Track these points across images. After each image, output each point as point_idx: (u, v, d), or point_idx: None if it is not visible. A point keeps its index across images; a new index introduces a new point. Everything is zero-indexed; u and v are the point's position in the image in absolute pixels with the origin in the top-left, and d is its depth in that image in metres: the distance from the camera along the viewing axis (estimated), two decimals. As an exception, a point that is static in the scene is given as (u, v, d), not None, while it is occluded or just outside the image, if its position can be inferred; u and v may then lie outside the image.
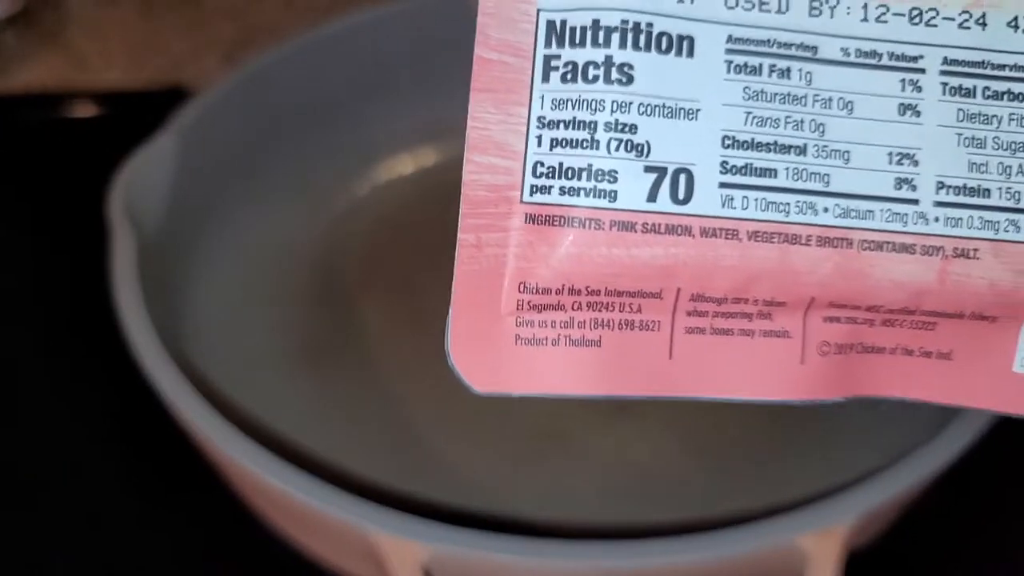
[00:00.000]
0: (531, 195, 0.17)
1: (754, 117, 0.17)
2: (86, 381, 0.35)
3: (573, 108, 0.17)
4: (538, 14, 0.17)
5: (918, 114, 0.17)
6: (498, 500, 0.31)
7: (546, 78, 0.17)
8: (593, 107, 0.17)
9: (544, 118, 0.17)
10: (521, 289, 0.17)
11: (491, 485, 0.32)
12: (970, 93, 0.17)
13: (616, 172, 0.17)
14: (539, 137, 0.17)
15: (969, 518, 0.31)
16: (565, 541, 0.24)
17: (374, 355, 0.36)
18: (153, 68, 0.47)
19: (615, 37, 0.17)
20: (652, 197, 0.17)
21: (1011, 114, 0.17)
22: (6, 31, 0.49)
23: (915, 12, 0.17)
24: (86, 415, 0.34)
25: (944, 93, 0.17)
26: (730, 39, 0.17)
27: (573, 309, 0.18)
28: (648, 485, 0.32)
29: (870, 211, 0.17)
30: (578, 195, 0.17)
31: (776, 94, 0.17)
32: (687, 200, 0.17)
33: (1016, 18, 0.17)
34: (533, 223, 0.17)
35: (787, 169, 0.17)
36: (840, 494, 0.25)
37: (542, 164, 0.17)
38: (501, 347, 0.18)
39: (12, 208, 0.42)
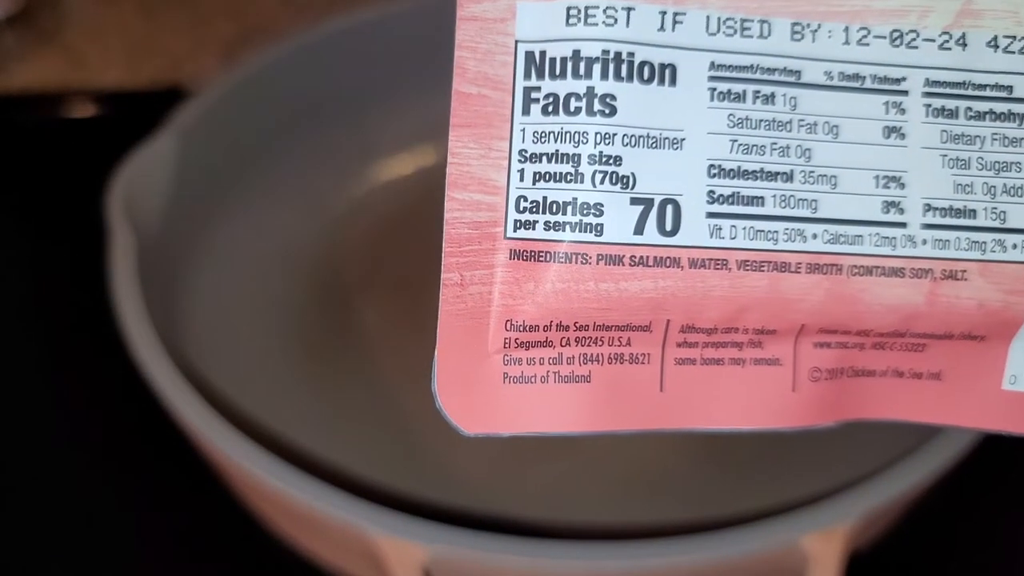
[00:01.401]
0: (515, 231, 0.17)
1: (740, 145, 0.17)
2: (85, 381, 0.35)
3: (556, 141, 0.17)
4: (516, 45, 0.17)
5: (903, 136, 0.17)
6: (498, 500, 0.31)
7: (527, 111, 0.17)
8: (576, 139, 0.17)
9: (526, 151, 0.17)
10: (508, 327, 0.17)
11: (492, 486, 0.32)
12: (953, 114, 0.17)
13: (602, 205, 0.17)
14: (521, 171, 0.17)
15: (970, 519, 0.31)
16: (565, 542, 0.24)
17: (374, 355, 0.36)
18: (152, 68, 0.47)
19: (596, 68, 0.17)
20: (639, 230, 0.17)
21: (993, 134, 0.17)
22: (5, 31, 0.49)
23: (896, 34, 0.17)
24: (85, 415, 0.34)
25: (927, 115, 0.17)
26: (713, 66, 0.17)
27: (561, 345, 0.17)
28: (648, 486, 0.32)
29: (859, 236, 0.17)
30: (563, 229, 0.17)
31: (761, 120, 0.17)
32: (675, 231, 0.17)
33: (995, 37, 0.17)
34: (518, 259, 0.17)
35: (775, 196, 0.17)
36: (842, 494, 0.25)
37: (525, 199, 0.17)
38: (489, 387, 0.17)
39: (11, 208, 0.42)
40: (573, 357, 0.17)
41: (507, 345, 0.17)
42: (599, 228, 0.17)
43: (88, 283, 0.33)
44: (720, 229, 0.17)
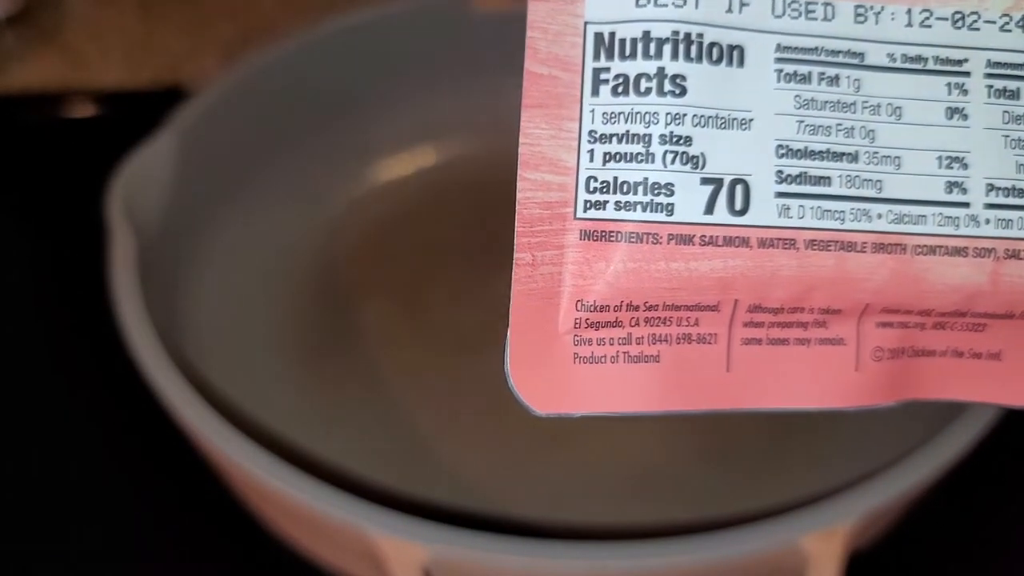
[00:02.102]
0: (585, 211, 0.17)
1: (806, 125, 0.17)
2: (85, 381, 0.35)
3: (626, 121, 0.17)
4: (585, 27, 0.17)
5: (965, 117, 0.17)
6: (498, 501, 0.31)
7: (596, 92, 0.17)
8: (647, 120, 0.17)
9: (595, 132, 0.17)
10: (578, 307, 0.17)
11: (492, 486, 0.32)
12: (1015, 95, 0.17)
13: (672, 185, 0.17)
14: (591, 152, 0.17)
15: (971, 519, 0.31)
16: (565, 542, 0.24)
17: (373, 355, 0.36)
18: (152, 68, 0.47)
19: (667, 48, 0.17)
20: (709, 209, 0.17)
21: None
22: (5, 31, 0.49)
23: (957, 16, 0.17)
24: (85, 415, 0.34)
25: (989, 96, 0.17)
26: (779, 48, 0.17)
27: (631, 325, 0.17)
28: (648, 486, 0.32)
29: (923, 216, 0.17)
30: (634, 209, 0.17)
31: (826, 102, 0.17)
32: (744, 211, 0.17)
33: None
34: (588, 239, 0.17)
35: (840, 176, 0.17)
36: (842, 494, 0.25)
37: (595, 179, 0.17)
38: (560, 367, 0.18)
39: (11, 208, 0.42)
40: (642, 337, 0.18)
41: (577, 325, 0.17)
42: (670, 208, 0.17)
43: (88, 283, 0.33)
44: (788, 209, 0.17)
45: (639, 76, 0.17)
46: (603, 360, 0.18)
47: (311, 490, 0.25)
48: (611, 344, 0.17)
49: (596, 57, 0.17)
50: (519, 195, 0.17)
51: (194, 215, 0.36)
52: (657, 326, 0.18)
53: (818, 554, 0.24)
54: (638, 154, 0.17)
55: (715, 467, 0.32)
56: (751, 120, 0.17)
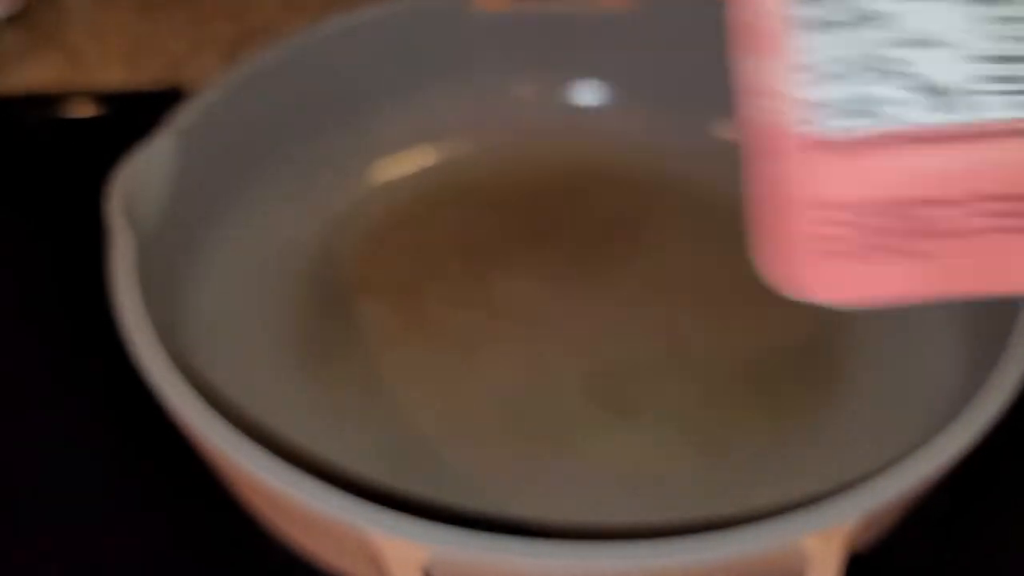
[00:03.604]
0: (823, 123, 0.19)
1: (994, 38, 0.20)
2: (84, 382, 0.35)
3: (837, 49, 0.19)
4: None
5: None
6: (498, 501, 0.31)
7: (807, 28, 0.19)
8: (858, 46, 0.19)
9: (809, 62, 0.20)
10: (818, 206, 0.20)
11: (491, 485, 0.32)
12: None
13: (895, 97, 0.19)
14: (809, 79, 0.19)
15: (970, 519, 0.31)
16: (565, 542, 0.24)
17: (374, 355, 0.36)
18: (152, 68, 0.47)
19: None
20: (933, 112, 0.20)
21: None
22: (5, 31, 0.49)
23: None
24: (84, 416, 0.34)
25: None
26: None
27: (868, 219, 0.20)
28: (647, 486, 0.32)
29: None
30: (868, 116, 0.19)
31: (1003, 17, 0.20)
32: (968, 111, 0.20)
33: None
34: (823, 151, 0.19)
35: None
36: (841, 494, 0.25)
37: (826, 100, 0.19)
38: (804, 261, 0.20)
39: (11, 208, 0.42)
40: (880, 229, 0.20)
41: (818, 223, 0.20)
42: (898, 115, 0.19)
43: (88, 283, 0.33)
44: (1002, 105, 0.20)
45: (846, 9, 0.19)
46: (846, 254, 0.20)
47: (311, 490, 0.25)
48: (849, 241, 0.20)
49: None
50: (752, 115, 0.20)
51: (194, 215, 0.36)
52: (892, 219, 0.20)
53: (818, 554, 0.24)
54: (855, 75, 0.20)
55: (714, 467, 0.32)
56: (952, 38, 0.19)
